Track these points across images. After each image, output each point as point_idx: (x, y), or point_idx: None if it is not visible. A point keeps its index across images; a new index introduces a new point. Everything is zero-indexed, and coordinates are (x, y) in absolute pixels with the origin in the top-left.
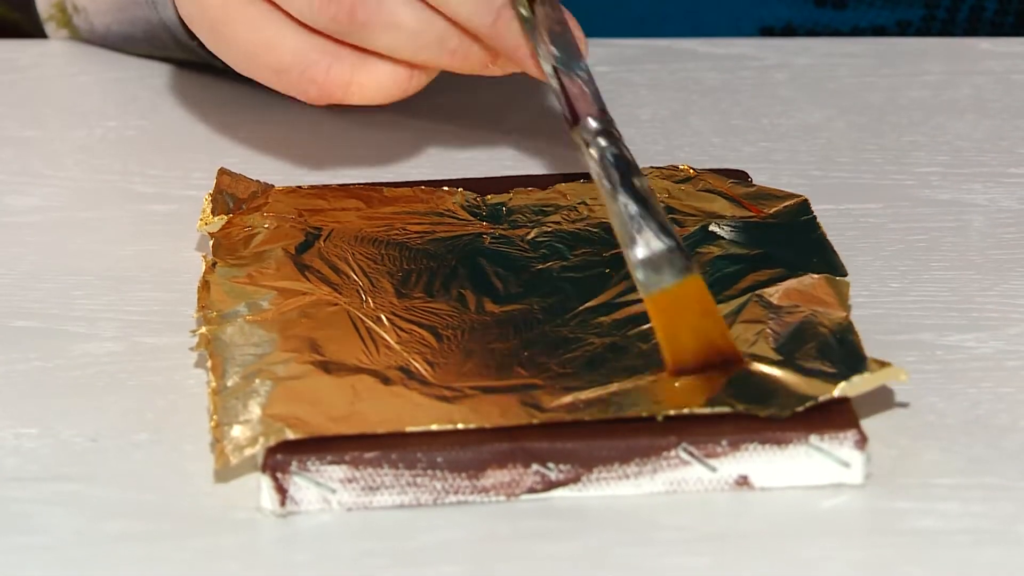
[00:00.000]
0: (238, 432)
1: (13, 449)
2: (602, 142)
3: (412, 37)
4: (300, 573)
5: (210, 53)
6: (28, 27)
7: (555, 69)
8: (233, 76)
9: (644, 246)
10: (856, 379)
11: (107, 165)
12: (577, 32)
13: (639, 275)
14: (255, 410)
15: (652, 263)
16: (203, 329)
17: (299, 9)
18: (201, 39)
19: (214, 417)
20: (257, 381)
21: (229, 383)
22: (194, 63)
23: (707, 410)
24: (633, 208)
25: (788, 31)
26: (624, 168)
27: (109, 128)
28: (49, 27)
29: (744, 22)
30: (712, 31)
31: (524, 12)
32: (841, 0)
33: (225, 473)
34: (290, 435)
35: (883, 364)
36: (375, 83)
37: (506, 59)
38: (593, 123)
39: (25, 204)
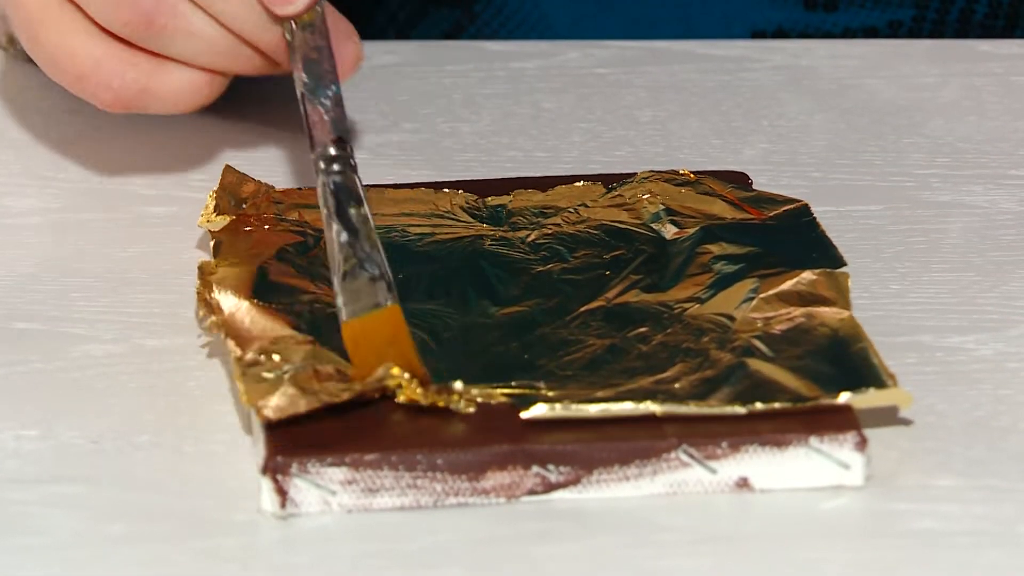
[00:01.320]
0: (274, 397)
1: (13, 451)
2: (330, 168)
3: (208, 45)
4: (300, 574)
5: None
6: None
7: (302, 95)
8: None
9: (349, 273)
10: (868, 393)
11: (107, 167)
12: (347, 50)
13: (339, 300)
14: (283, 379)
15: (352, 291)
16: (213, 318)
17: (98, 11)
18: (21, 43)
19: (241, 384)
20: (277, 357)
21: (250, 356)
22: None
23: (708, 410)
24: (344, 236)
25: (779, 34)
26: (343, 197)
27: (109, 130)
28: (9, 52)
29: (735, 25)
30: (703, 35)
31: (288, 37)
32: (831, 2)
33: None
34: (327, 400)
35: (891, 377)
36: (171, 90)
37: (284, 67)
38: (326, 150)
39: (25, 206)
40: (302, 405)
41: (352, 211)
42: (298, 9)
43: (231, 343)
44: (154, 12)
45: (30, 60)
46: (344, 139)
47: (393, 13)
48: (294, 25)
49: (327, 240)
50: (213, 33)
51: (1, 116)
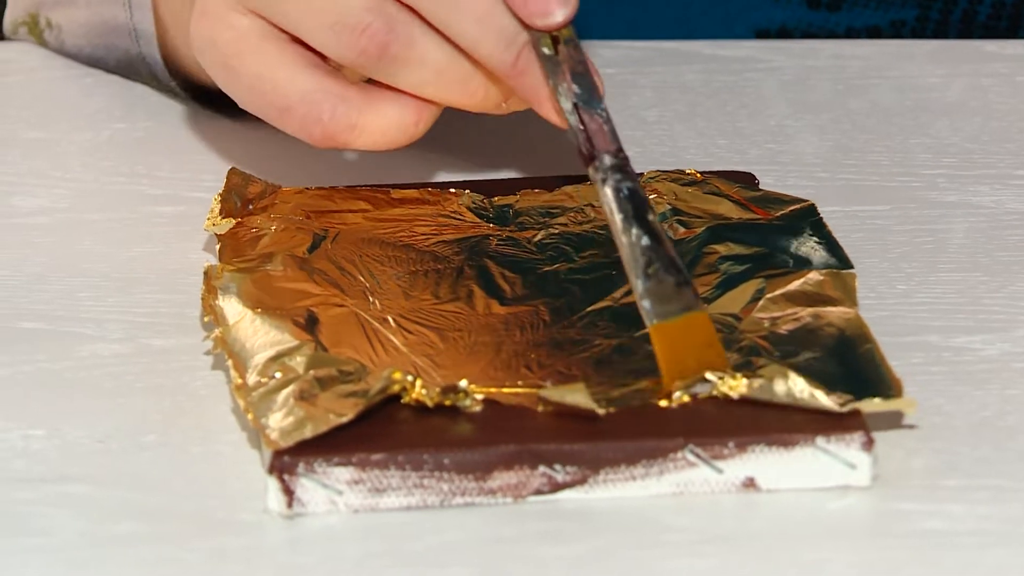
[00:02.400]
0: (280, 420)
1: (21, 450)
2: (617, 177)
3: (437, 75)
4: (306, 574)
5: (190, 94)
6: None
7: (575, 106)
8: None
9: (654, 277)
10: (874, 401)
11: (115, 166)
12: (596, 76)
13: (646, 304)
14: (289, 400)
15: (660, 295)
16: (217, 331)
17: (324, 43)
18: (210, 74)
19: (249, 413)
20: (279, 374)
21: (251, 380)
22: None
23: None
24: (645, 240)
25: (782, 33)
26: (639, 203)
27: (117, 129)
28: (21, 31)
29: (738, 25)
30: (706, 34)
31: (547, 51)
32: (835, 1)
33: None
34: (336, 422)
35: (897, 383)
36: (380, 127)
37: (520, 98)
38: (609, 159)
39: (33, 205)
40: (308, 430)
41: (650, 216)
42: (558, 21)
43: (232, 372)
44: (390, 41)
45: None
46: (622, 149)
47: None
48: (553, 41)
49: (622, 244)
50: (445, 60)
51: (8, 116)
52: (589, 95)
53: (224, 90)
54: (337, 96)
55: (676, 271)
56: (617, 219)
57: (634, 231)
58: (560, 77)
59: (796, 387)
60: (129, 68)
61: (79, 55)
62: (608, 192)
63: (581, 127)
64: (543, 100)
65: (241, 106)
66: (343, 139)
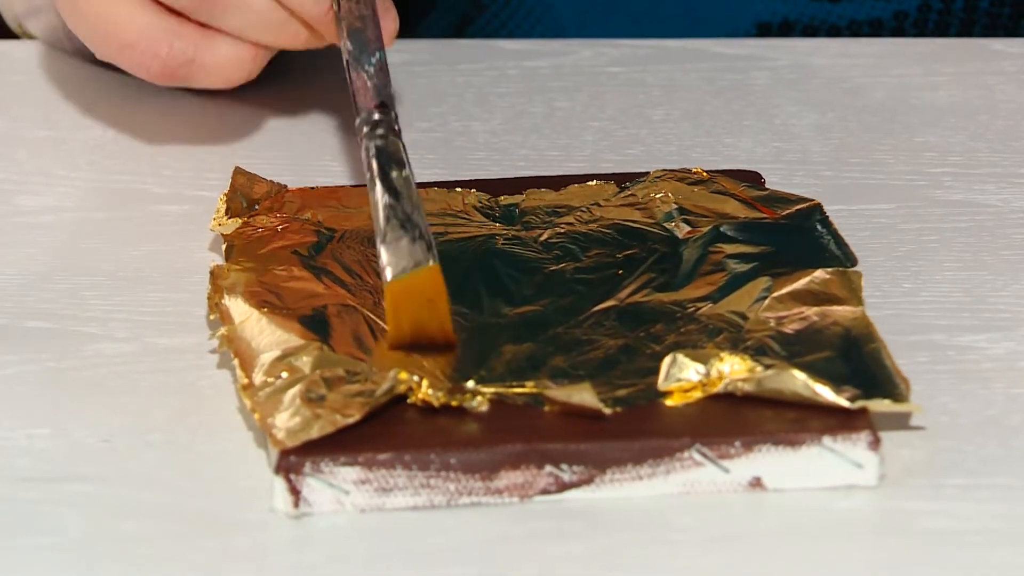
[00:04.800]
0: (286, 420)
1: (25, 449)
2: (374, 132)
3: (259, 18)
4: (313, 574)
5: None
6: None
7: (347, 63)
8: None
9: (390, 234)
10: (884, 402)
11: (120, 165)
12: (377, 27)
13: (382, 260)
14: (296, 400)
15: (394, 251)
16: (223, 329)
17: None
18: (61, 15)
19: (255, 413)
20: (285, 374)
21: (258, 379)
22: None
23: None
24: (386, 198)
25: (785, 26)
26: (385, 160)
27: (122, 128)
28: (21, 34)
29: (740, 18)
30: (709, 27)
31: (335, 7)
32: None
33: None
34: (342, 423)
35: (904, 381)
36: (217, 62)
37: (329, 39)
38: (369, 115)
39: (38, 204)
40: (315, 431)
41: (394, 174)
42: None
43: (238, 371)
44: None
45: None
46: (387, 104)
47: (402, 4)
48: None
49: (371, 203)
50: (264, 7)
51: (13, 115)
52: (359, 51)
53: (72, 30)
54: (174, 32)
55: (411, 226)
56: (367, 176)
57: (377, 189)
58: (340, 32)
59: (803, 385)
60: (58, 43)
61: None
62: (363, 148)
63: (350, 82)
64: (332, 29)
65: (87, 45)
66: (182, 74)
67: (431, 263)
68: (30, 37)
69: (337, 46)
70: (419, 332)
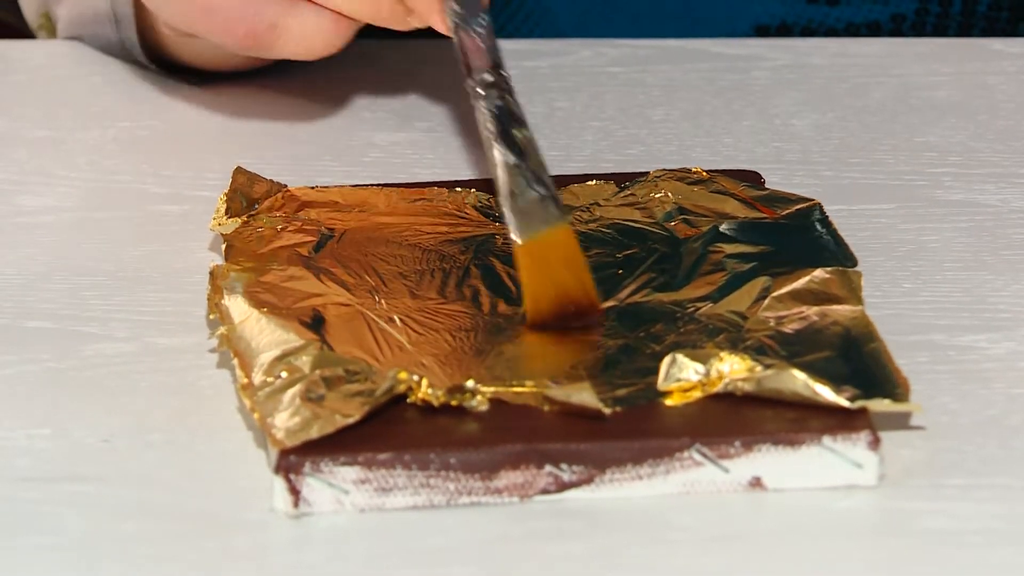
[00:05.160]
0: (286, 420)
1: (26, 449)
2: (489, 94)
3: None
4: (313, 574)
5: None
6: (20, 26)
7: (455, 24)
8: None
9: (519, 194)
10: (884, 402)
11: (120, 165)
12: None
13: (511, 222)
14: (296, 400)
15: (524, 211)
16: (223, 329)
17: None
18: None
19: (255, 413)
20: (285, 374)
21: (257, 379)
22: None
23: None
24: (511, 158)
25: (783, 29)
26: (506, 120)
27: (122, 128)
28: (40, 35)
29: (739, 21)
30: (707, 30)
31: None
32: None
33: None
34: (342, 423)
35: (903, 383)
36: (300, 31)
37: (419, 16)
38: (483, 76)
39: (38, 204)
40: (314, 430)
41: (516, 133)
42: None
43: (238, 371)
44: None
45: (72, 37)
46: (500, 65)
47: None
48: None
49: (491, 164)
50: None
51: (14, 115)
52: (468, 11)
53: (151, 5)
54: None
55: (541, 185)
56: (485, 136)
57: (499, 149)
58: None
59: (803, 385)
60: (113, 54)
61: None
62: (480, 109)
63: (460, 45)
64: (433, 15)
65: (164, 16)
66: (266, 40)
67: (563, 223)
68: (47, 29)
69: (419, 28)
70: (562, 295)
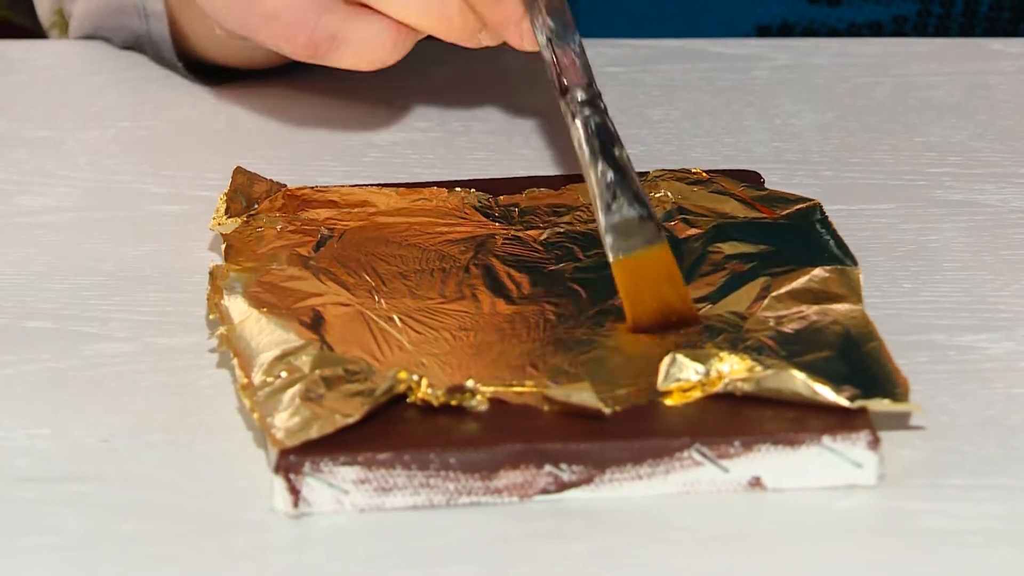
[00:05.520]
0: (285, 420)
1: (26, 449)
2: (587, 111)
3: (422, 3)
4: (313, 574)
5: (192, 73)
6: (34, 28)
7: (549, 40)
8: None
9: (617, 212)
10: (883, 402)
11: (120, 165)
12: (569, 12)
13: (609, 239)
14: (295, 400)
15: (623, 228)
16: (222, 329)
17: None
18: None
19: (255, 413)
20: (285, 374)
21: (257, 379)
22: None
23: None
24: (611, 175)
25: (784, 29)
26: (606, 138)
27: (122, 128)
28: (52, 34)
29: (740, 22)
30: (708, 31)
31: None
32: None
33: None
34: (342, 423)
35: (903, 383)
36: (361, 41)
37: (495, 30)
38: (580, 94)
39: (38, 204)
40: (314, 430)
41: (616, 151)
42: None
43: (238, 371)
44: None
45: (86, 37)
46: (593, 83)
47: None
48: None
49: (588, 180)
50: None
51: (14, 115)
52: (563, 29)
53: (207, 9)
54: (322, 6)
55: (640, 205)
56: (585, 153)
57: (600, 165)
58: (536, 11)
59: (803, 384)
60: (134, 47)
61: (87, 35)
62: (578, 126)
63: (554, 61)
64: (513, 27)
65: (223, 23)
66: (324, 49)
67: (661, 242)
68: (60, 27)
69: (484, 48)
70: (666, 311)
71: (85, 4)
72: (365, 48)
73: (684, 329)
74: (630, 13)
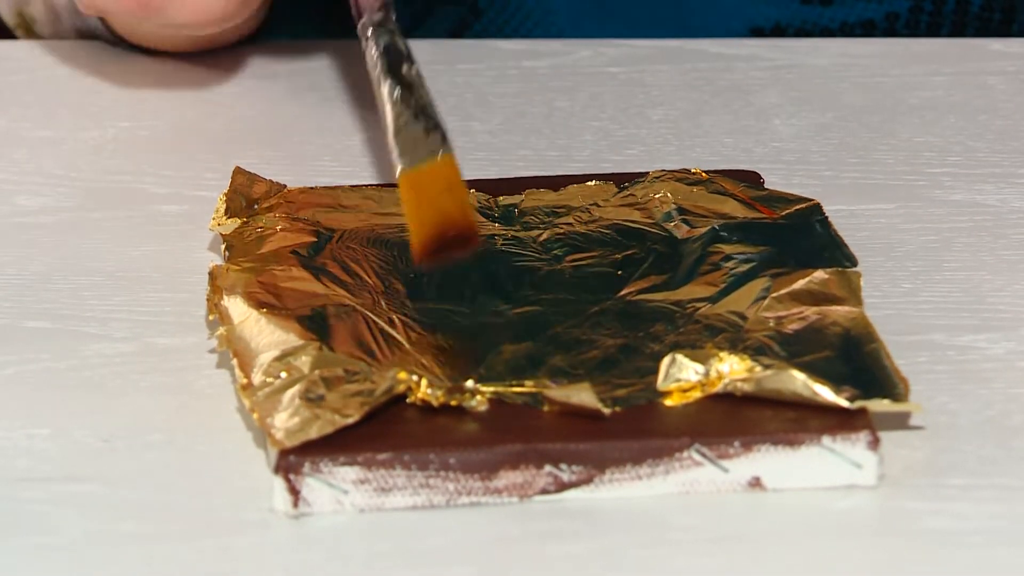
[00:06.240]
0: (285, 420)
1: (25, 449)
2: (377, 33)
3: None
4: (313, 574)
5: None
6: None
7: None
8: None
9: (403, 126)
10: (883, 402)
11: (119, 165)
12: None
13: (395, 153)
14: (295, 400)
15: (407, 142)
16: (222, 329)
17: None
18: None
19: (254, 413)
20: (284, 374)
21: (257, 379)
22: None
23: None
24: (397, 91)
25: (777, 30)
26: (394, 57)
27: (121, 128)
28: (19, 34)
29: (733, 23)
30: (702, 32)
31: None
32: None
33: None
34: (341, 423)
35: (903, 382)
36: None
37: None
38: (373, 16)
39: (38, 204)
40: (314, 431)
41: (404, 68)
42: None
43: (237, 372)
44: None
45: (55, 35)
46: (389, 5)
47: (398, 10)
48: None
49: (379, 101)
50: None
51: (13, 115)
52: None
53: None
54: None
55: (426, 118)
56: (374, 75)
57: (387, 84)
58: None
59: (802, 385)
60: (96, 38)
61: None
62: (369, 47)
63: None
64: None
65: None
66: (157, 5)
67: (446, 152)
68: (28, 28)
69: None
70: (444, 222)
71: (37, 8)
72: (199, 3)
73: (464, 253)
74: (625, 14)
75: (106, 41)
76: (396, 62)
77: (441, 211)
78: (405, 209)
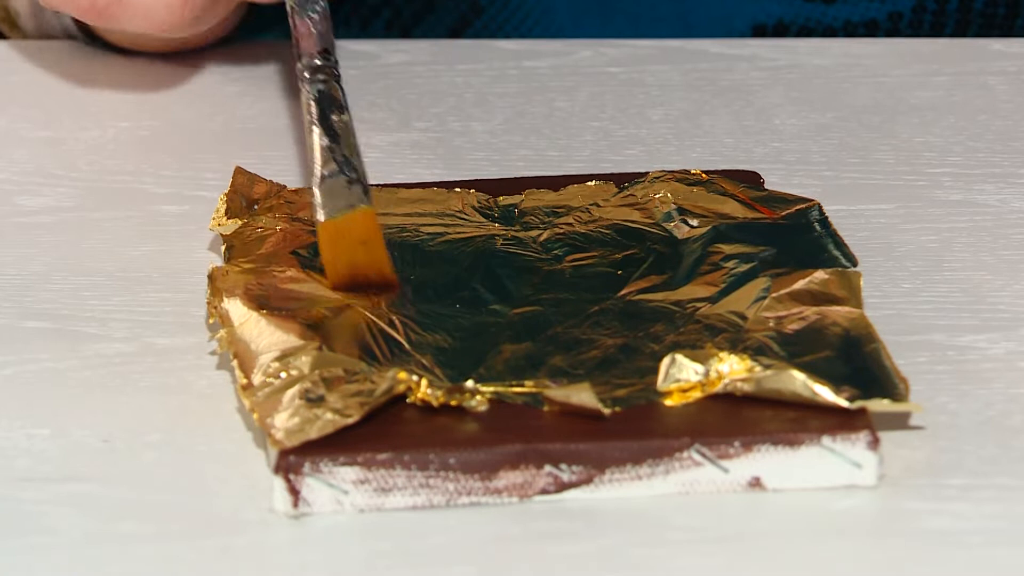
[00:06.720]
0: (285, 420)
1: (25, 450)
2: (315, 77)
3: None
4: (313, 574)
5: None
6: None
7: (291, 9)
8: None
9: (328, 175)
10: (883, 402)
11: (119, 165)
12: None
13: (317, 201)
14: (295, 400)
15: (330, 191)
16: (222, 332)
17: None
18: None
19: (254, 413)
20: (284, 374)
21: (257, 380)
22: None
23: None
24: (324, 141)
25: (780, 28)
26: (326, 104)
27: (122, 128)
28: (3, 28)
29: (736, 21)
30: (704, 30)
31: None
32: None
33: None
34: (342, 423)
35: (903, 381)
36: (143, 2)
37: None
38: (311, 60)
39: (37, 204)
40: (314, 431)
41: (334, 117)
42: None
43: (238, 372)
44: None
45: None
46: (329, 51)
47: (399, 7)
48: None
49: (308, 147)
50: None
51: (13, 115)
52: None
53: None
54: None
55: (350, 169)
56: (306, 119)
57: (316, 131)
58: None
59: (802, 385)
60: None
61: (34, 35)
62: (304, 91)
63: (294, 28)
64: None
65: None
66: (110, 12)
67: (364, 205)
68: (12, 23)
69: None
70: (356, 273)
71: (18, 3)
72: (151, 10)
73: (381, 294)
74: (627, 11)
75: (81, 41)
76: (327, 110)
77: (353, 264)
78: (323, 257)
